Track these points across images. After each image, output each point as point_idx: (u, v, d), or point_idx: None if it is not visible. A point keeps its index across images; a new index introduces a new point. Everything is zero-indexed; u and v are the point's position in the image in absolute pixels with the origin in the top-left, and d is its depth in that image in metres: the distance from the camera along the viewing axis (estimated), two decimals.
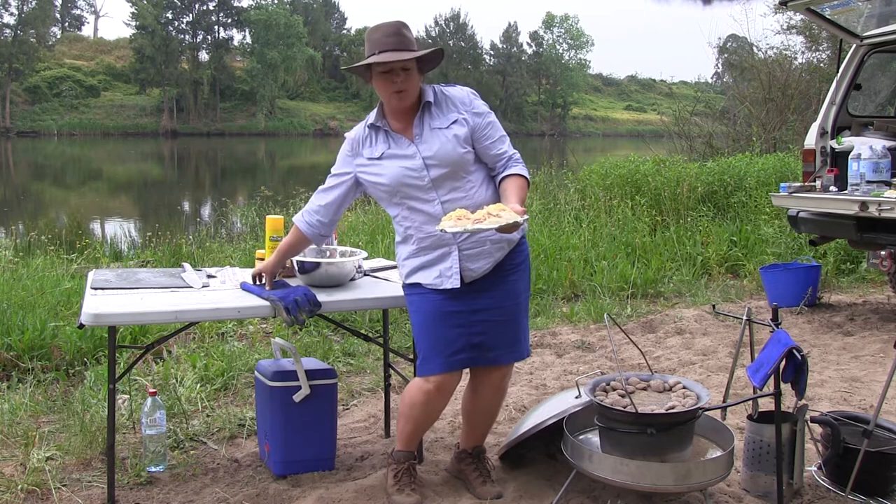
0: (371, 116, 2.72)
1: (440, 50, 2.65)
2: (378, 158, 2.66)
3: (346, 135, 2.78)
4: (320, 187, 2.82)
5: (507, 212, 2.42)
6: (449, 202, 2.60)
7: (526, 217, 2.46)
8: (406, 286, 2.76)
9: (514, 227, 2.40)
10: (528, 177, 2.71)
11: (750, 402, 2.88)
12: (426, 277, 2.66)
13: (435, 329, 2.63)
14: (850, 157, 5.01)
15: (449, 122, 2.64)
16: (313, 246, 3.19)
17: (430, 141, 2.62)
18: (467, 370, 2.75)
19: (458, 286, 2.61)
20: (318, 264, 2.98)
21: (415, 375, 2.79)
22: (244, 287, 2.92)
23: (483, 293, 2.65)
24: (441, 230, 2.42)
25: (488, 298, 2.65)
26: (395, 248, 2.84)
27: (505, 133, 2.75)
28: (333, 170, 2.79)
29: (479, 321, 2.63)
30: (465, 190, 2.63)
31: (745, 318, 2.77)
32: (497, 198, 2.64)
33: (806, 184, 5.38)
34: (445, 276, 2.62)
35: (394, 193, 2.65)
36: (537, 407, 3.05)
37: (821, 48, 16.03)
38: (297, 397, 2.91)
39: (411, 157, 2.61)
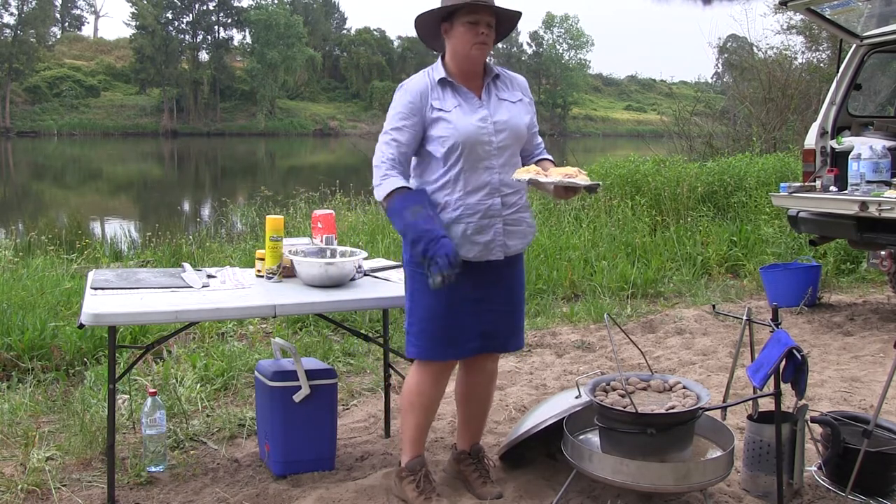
0: (435, 70, 2.63)
1: (519, 12, 2.65)
2: (449, 111, 2.57)
3: (405, 86, 2.62)
4: (384, 144, 2.56)
5: (582, 176, 2.48)
6: (505, 175, 2.61)
7: (597, 183, 2.51)
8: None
9: (574, 190, 2.52)
10: None
11: (750, 402, 2.88)
12: (464, 252, 2.56)
13: (453, 316, 2.61)
14: (850, 157, 5.01)
15: (516, 98, 2.70)
16: (313, 246, 3.20)
17: (500, 108, 2.63)
18: None
19: (502, 258, 2.62)
20: (318, 264, 2.98)
21: (411, 358, 2.70)
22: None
23: (499, 282, 2.67)
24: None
25: (503, 287, 2.68)
26: None
27: None
28: (396, 121, 2.57)
29: (490, 310, 2.65)
30: (516, 166, 2.67)
31: (745, 318, 2.77)
32: None
33: (806, 184, 5.38)
34: (488, 248, 2.60)
35: (455, 150, 2.55)
36: (537, 407, 3.05)
37: (821, 48, 16.05)
38: (297, 397, 2.91)
39: (483, 119, 2.59)
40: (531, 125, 2.74)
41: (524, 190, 2.70)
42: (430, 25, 2.63)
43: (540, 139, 2.84)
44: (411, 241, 2.46)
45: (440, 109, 2.57)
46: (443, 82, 2.61)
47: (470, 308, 2.63)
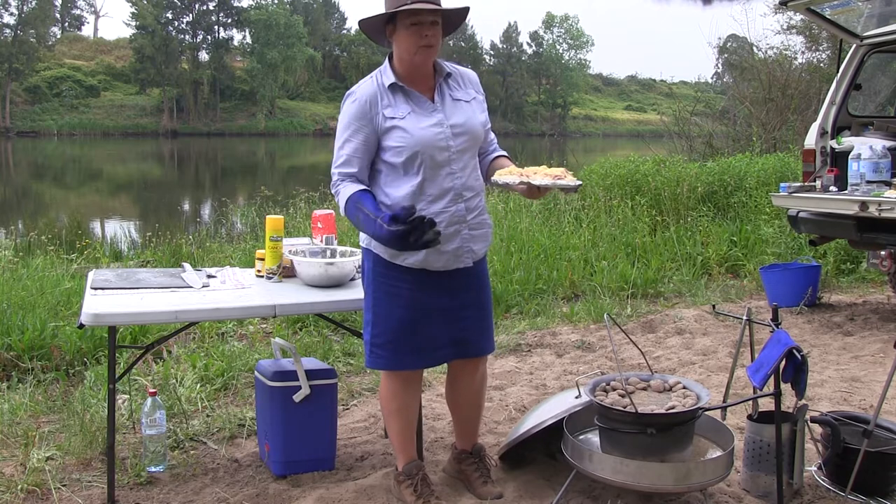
0: (384, 75, 2.54)
1: (466, 8, 2.57)
2: (402, 118, 2.50)
3: (354, 94, 2.54)
4: (335, 158, 2.55)
5: (569, 176, 2.44)
6: (466, 178, 2.57)
7: (580, 183, 2.47)
8: (389, 272, 2.58)
9: (540, 190, 2.44)
10: None
11: (750, 402, 2.88)
12: (432, 262, 2.55)
13: (424, 327, 2.58)
14: (850, 157, 5.01)
15: (469, 97, 2.64)
16: (313, 246, 3.20)
17: (455, 111, 2.57)
18: None
19: (471, 265, 2.61)
20: (318, 264, 2.98)
21: (372, 364, 2.67)
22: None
23: (469, 288, 2.65)
24: (496, 181, 2.48)
25: (473, 292, 2.66)
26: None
27: None
28: (345, 133, 2.54)
29: (463, 317, 2.63)
30: (475, 168, 2.64)
31: (745, 318, 2.77)
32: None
33: (806, 184, 5.38)
34: (457, 255, 2.58)
35: (415, 160, 2.49)
36: (537, 407, 3.05)
37: (821, 48, 16.03)
38: (297, 397, 2.91)
39: (438, 123, 2.53)
40: (486, 122, 2.69)
41: (483, 192, 2.67)
42: (378, 28, 2.55)
43: (493, 135, 2.78)
44: (383, 243, 2.44)
45: (392, 118, 2.50)
46: (393, 87, 2.53)
47: (442, 318, 2.59)
